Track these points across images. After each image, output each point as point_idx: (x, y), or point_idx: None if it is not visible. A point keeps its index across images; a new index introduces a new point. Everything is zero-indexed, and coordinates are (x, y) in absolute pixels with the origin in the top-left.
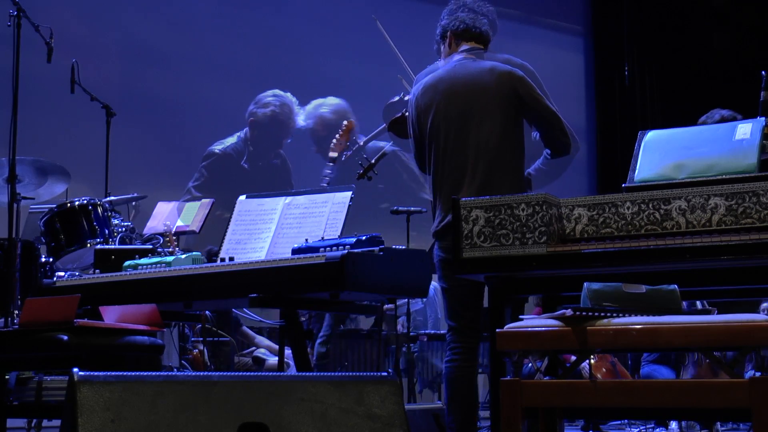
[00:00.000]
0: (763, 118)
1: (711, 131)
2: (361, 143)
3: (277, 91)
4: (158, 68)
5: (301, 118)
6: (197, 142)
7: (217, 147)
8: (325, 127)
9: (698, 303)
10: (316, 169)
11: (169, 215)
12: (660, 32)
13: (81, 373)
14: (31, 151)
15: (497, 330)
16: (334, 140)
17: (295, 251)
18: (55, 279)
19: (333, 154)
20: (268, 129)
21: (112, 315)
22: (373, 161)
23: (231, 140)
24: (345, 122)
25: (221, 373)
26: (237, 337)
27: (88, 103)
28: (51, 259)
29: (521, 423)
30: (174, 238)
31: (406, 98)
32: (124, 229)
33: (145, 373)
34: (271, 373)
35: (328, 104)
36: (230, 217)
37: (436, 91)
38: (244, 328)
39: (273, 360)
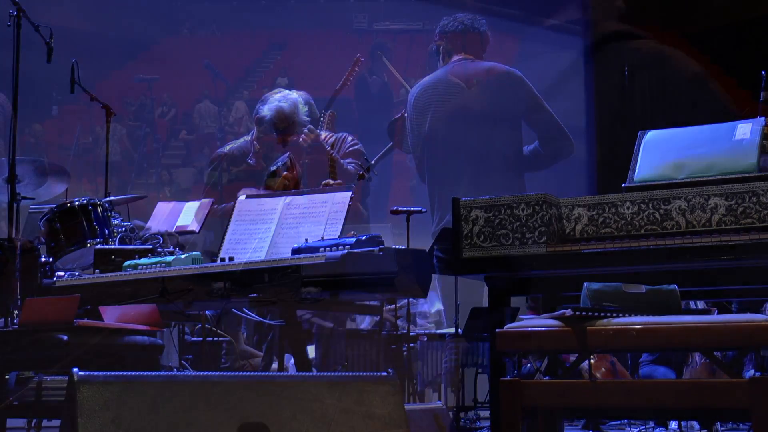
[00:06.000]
0: (763, 118)
1: (711, 131)
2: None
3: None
4: (158, 68)
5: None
6: (197, 142)
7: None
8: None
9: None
10: None
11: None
12: (660, 32)
13: (81, 373)
14: (31, 151)
15: (497, 330)
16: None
17: (295, 251)
18: (55, 279)
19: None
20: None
21: (112, 315)
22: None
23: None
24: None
25: (221, 373)
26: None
27: (88, 103)
28: (51, 259)
29: (521, 423)
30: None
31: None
32: (124, 229)
33: (145, 373)
34: (271, 373)
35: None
36: (230, 217)
37: None
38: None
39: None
